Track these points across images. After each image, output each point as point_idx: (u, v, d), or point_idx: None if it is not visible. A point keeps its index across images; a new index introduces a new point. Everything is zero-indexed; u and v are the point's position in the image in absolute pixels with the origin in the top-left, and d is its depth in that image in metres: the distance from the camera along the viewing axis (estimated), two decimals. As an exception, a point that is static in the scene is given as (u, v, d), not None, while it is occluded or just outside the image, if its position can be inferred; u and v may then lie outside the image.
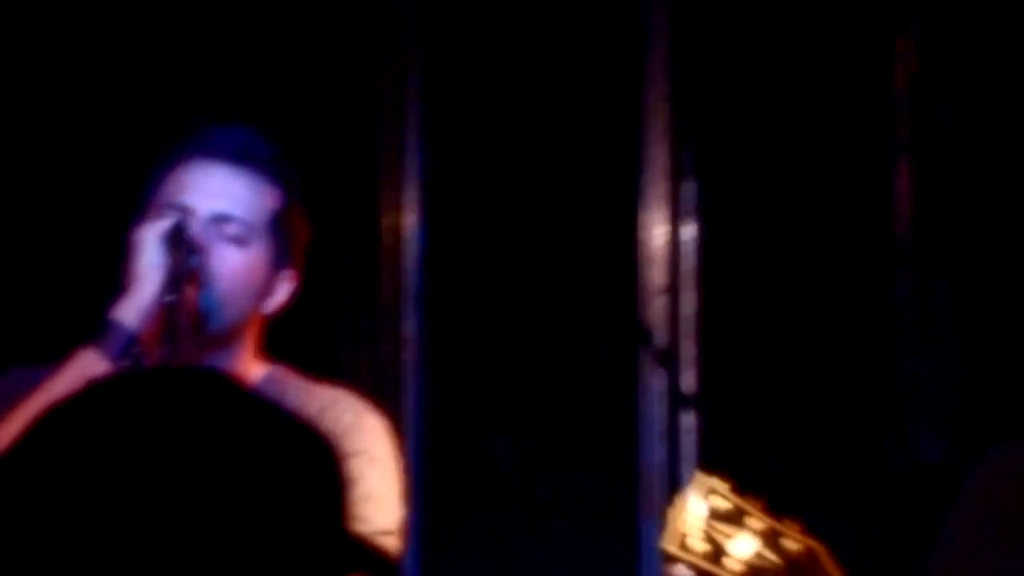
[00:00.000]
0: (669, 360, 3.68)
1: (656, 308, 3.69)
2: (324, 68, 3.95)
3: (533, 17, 3.89)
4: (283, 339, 2.82)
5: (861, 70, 3.66)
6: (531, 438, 3.97)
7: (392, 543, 2.84)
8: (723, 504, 2.52)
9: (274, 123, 3.15)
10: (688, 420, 3.75)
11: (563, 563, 3.80)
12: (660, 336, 3.72)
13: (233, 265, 2.78)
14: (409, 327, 4.11)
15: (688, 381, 3.73)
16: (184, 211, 2.76)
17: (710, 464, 3.43)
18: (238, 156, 2.83)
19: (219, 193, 2.82)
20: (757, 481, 3.13)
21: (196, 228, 2.74)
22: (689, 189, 3.67)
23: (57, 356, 2.61)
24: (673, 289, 3.68)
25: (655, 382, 3.74)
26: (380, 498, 2.85)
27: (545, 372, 3.97)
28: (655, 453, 3.73)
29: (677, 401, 3.68)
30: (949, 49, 3.71)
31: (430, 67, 4.04)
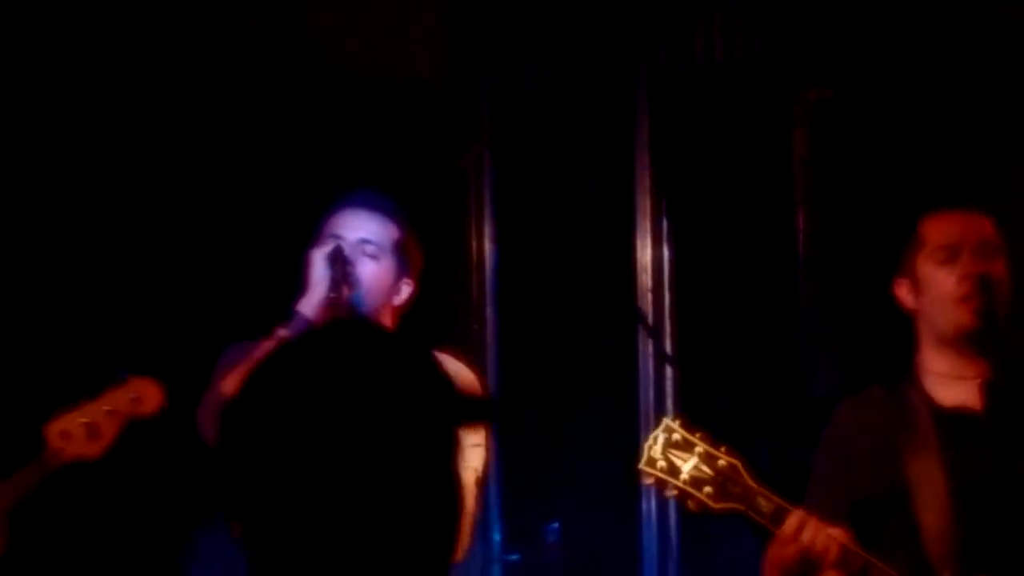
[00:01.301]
0: (655, 334, 4.78)
1: (647, 301, 4.81)
2: (428, 149, 4.87)
3: (567, 114, 4.94)
4: (409, 324, 3.50)
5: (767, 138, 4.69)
6: (568, 385, 4.90)
7: (483, 453, 3.51)
8: (677, 436, 3.10)
9: (398, 186, 3.82)
10: (669, 372, 4.80)
11: (586, 463, 4.77)
12: (649, 318, 4.79)
13: (370, 273, 3.45)
14: (489, 316, 5.05)
15: (669, 347, 4.81)
16: (340, 239, 3.43)
17: (683, 401, 4.75)
18: (370, 204, 3.52)
19: (360, 227, 3.48)
20: (711, 413, 4.21)
21: (347, 249, 3.42)
22: (665, 224, 4.81)
23: (262, 335, 3.24)
24: (657, 289, 4.82)
25: (647, 347, 4.82)
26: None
27: (578, 343, 4.92)
28: (649, 393, 4.79)
29: (662, 360, 4.77)
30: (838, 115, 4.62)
31: (498, 147, 5.01)
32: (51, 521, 4.19)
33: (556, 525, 4.77)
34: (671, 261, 4.84)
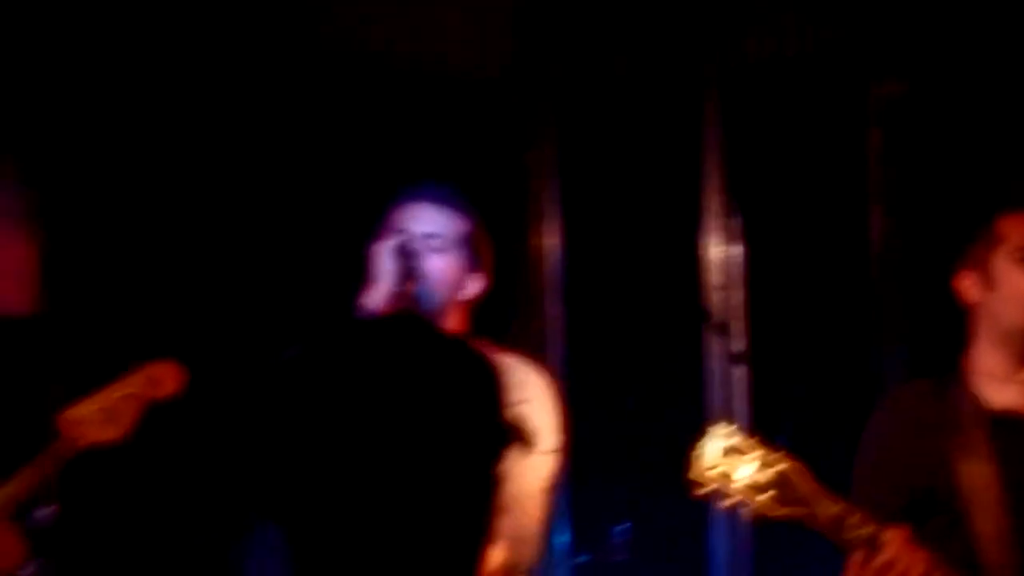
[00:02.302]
0: (725, 331, 4.81)
1: (716, 299, 4.85)
2: (499, 145, 4.93)
3: (636, 109, 4.96)
4: (480, 318, 3.43)
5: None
6: (633, 383, 4.93)
7: (556, 460, 3.42)
8: (731, 442, 3.03)
9: (468, 181, 3.64)
10: (739, 372, 4.83)
11: (654, 463, 4.62)
12: (718, 316, 4.83)
13: (437, 267, 3.34)
14: (553, 310, 5.05)
15: (740, 345, 4.84)
16: (405, 232, 3.34)
17: (756, 401, 4.77)
18: (437, 198, 3.44)
19: (427, 220, 3.38)
20: (782, 412, 4.30)
21: (413, 243, 3.31)
22: (736, 223, 4.85)
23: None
24: (727, 287, 4.84)
25: (716, 346, 4.87)
26: (544, 428, 3.40)
27: (646, 339, 4.95)
28: (717, 393, 4.82)
29: (730, 359, 4.82)
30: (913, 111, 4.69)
31: (566, 142, 5.04)
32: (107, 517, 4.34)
33: (625, 526, 4.79)
34: (743, 258, 4.87)
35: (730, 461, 3.10)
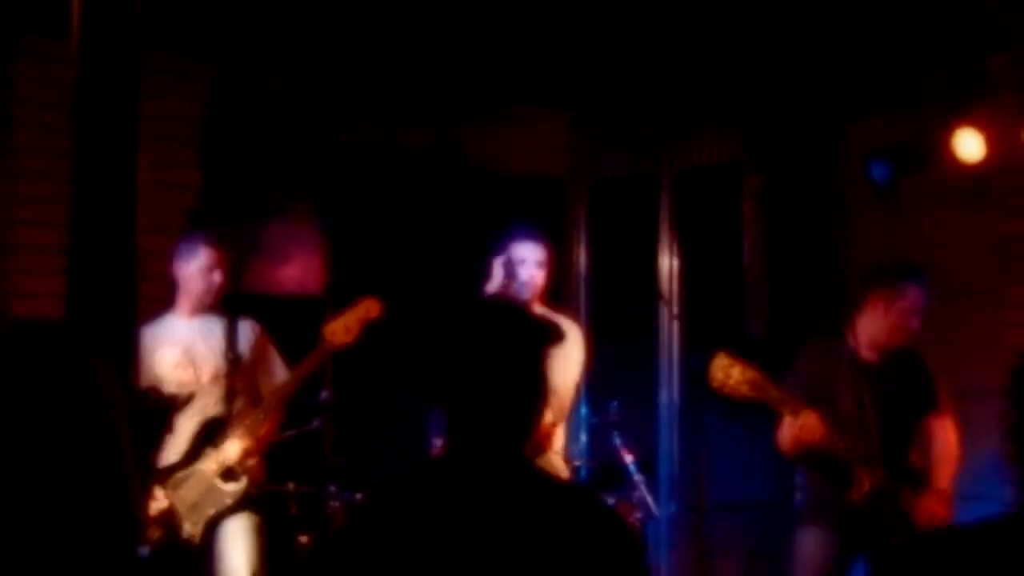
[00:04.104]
0: (669, 303, 7.06)
1: (664, 288, 7.15)
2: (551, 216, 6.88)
3: (625, 201, 7.12)
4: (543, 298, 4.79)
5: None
6: (622, 334, 7.10)
7: (582, 368, 4.80)
8: (727, 362, 4.26)
9: (545, 228, 5.00)
10: (676, 325, 7.15)
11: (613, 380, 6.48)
12: (669, 301, 7.09)
13: (528, 276, 4.78)
14: (580, 296, 7.27)
15: (675, 311, 7.12)
16: (512, 254, 4.74)
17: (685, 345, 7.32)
18: (531, 234, 4.81)
19: (526, 247, 4.78)
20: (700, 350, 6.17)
21: (515, 261, 4.70)
22: (677, 249, 7.13)
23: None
24: (670, 280, 7.13)
25: (665, 313, 7.21)
26: (576, 353, 4.82)
27: (632, 307, 7.19)
28: (667, 336, 7.16)
29: (670, 318, 7.02)
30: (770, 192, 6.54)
31: (590, 216, 7.17)
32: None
33: (615, 404, 6.02)
34: (680, 268, 7.10)
35: (726, 370, 4.27)
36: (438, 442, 4.75)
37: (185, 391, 5.11)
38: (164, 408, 4.08)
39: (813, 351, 4.74)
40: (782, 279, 6.84)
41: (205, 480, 5.10)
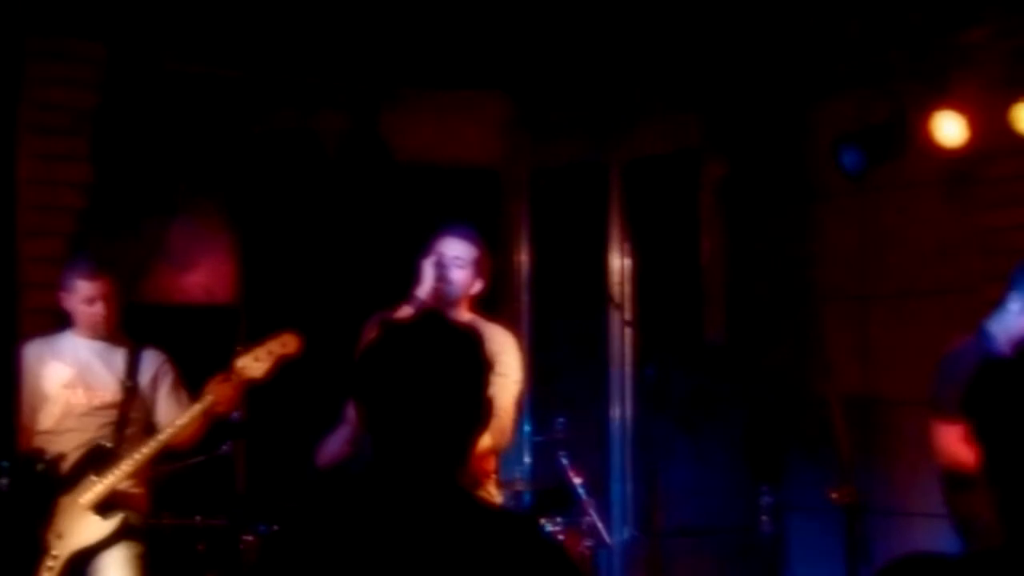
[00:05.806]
0: (621, 308, 6.75)
1: (616, 291, 6.78)
2: (493, 208, 6.69)
3: (573, 191, 6.95)
4: (483, 304, 4.45)
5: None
6: (571, 336, 6.85)
7: (519, 386, 4.33)
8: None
9: (480, 226, 4.58)
10: (628, 331, 6.79)
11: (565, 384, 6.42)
12: (617, 300, 6.77)
13: (458, 277, 4.36)
14: (522, 298, 6.87)
15: (628, 316, 6.78)
16: (441, 254, 4.33)
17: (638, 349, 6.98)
18: (461, 232, 4.41)
19: (454, 247, 4.37)
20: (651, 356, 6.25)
21: (445, 261, 4.31)
22: (628, 248, 6.78)
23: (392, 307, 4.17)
24: (621, 283, 6.78)
25: (616, 318, 6.87)
26: (512, 367, 4.33)
27: (579, 312, 6.85)
28: (618, 344, 6.74)
29: (623, 324, 6.72)
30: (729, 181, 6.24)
31: (534, 208, 6.89)
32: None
33: (562, 420, 5.92)
34: (632, 268, 6.76)
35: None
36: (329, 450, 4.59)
37: (72, 412, 5.02)
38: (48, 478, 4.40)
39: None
40: (743, 280, 6.50)
41: (78, 512, 4.96)
